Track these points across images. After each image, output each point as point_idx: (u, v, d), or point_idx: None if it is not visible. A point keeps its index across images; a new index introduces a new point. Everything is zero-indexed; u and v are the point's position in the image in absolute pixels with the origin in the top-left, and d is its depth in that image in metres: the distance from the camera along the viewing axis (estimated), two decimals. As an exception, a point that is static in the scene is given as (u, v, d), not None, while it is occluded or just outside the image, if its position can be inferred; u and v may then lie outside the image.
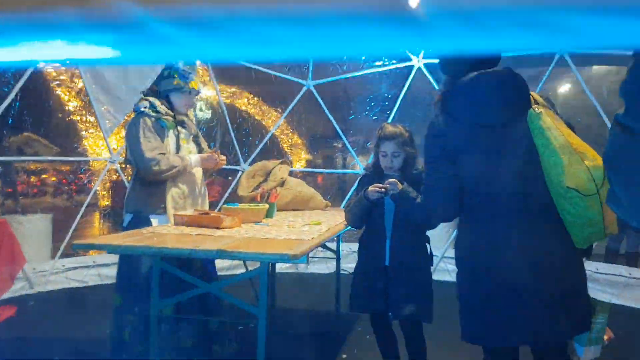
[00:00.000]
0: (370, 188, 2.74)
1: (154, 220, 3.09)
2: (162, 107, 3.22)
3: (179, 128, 3.31)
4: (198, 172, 3.38)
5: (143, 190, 3.16)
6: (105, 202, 9.24)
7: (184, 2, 0.54)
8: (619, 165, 1.07)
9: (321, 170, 7.50)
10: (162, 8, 0.53)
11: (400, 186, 2.68)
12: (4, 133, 5.14)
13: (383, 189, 2.71)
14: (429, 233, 2.92)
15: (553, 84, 6.30)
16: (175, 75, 3.25)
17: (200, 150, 3.47)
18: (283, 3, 0.53)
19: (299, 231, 2.77)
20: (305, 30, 0.54)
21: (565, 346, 2.17)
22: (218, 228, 2.78)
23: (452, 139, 2.10)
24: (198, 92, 3.39)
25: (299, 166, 11.43)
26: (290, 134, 11.12)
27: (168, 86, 3.26)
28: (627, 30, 0.54)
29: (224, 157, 3.44)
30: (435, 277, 5.49)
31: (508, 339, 2.04)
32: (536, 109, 1.98)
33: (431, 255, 2.93)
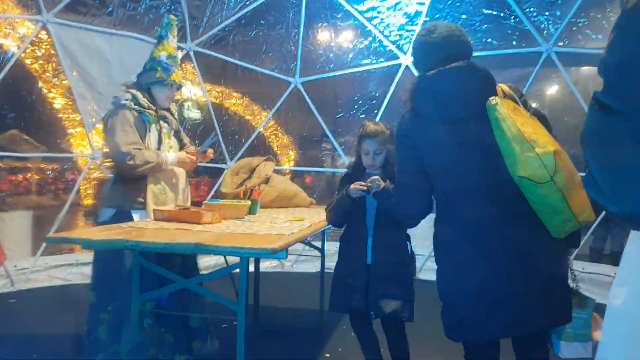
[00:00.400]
0: (352, 186, 2.71)
1: (135, 216, 3.04)
2: (144, 101, 3.17)
3: (161, 123, 3.25)
4: (179, 169, 3.32)
5: (124, 185, 3.10)
6: (87, 200, 9.12)
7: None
8: (596, 145, 1.04)
9: (308, 169, 7.43)
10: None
11: (382, 184, 2.66)
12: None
13: (365, 187, 2.68)
14: (413, 232, 2.89)
15: (540, 84, 6.30)
16: (158, 68, 3.20)
17: (181, 146, 3.42)
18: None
19: (280, 227, 2.73)
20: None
21: (545, 338, 2.16)
22: (198, 223, 2.73)
23: (417, 137, 2.12)
24: (180, 86, 3.35)
25: (287, 166, 11.39)
26: (280, 135, 11.06)
27: (150, 79, 3.21)
28: None
29: (211, 150, 3.39)
30: (422, 276, 5.54)
31: (486, 333, 2.02)
32: (492, 101, 1.98)
33: (412, 253, 2.90)
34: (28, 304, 4.72)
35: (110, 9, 5.36)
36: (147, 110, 3.16)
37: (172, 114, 3.38)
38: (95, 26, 5.30)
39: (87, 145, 6.15)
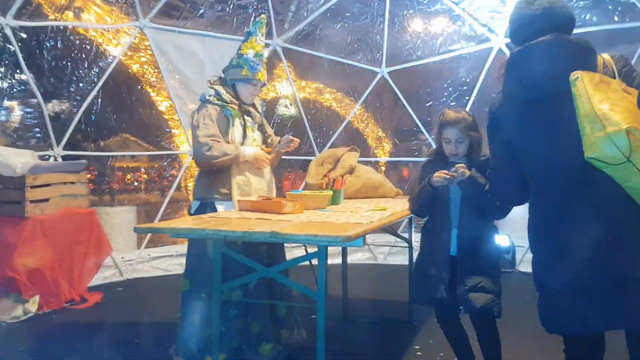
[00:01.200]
0: (435, 175, 2.61)
1: (220, 207, 3.14)
2: (227, 96, 3.26)
3: (244, 117, 3.33)
4: None
5: (209, 177, 3.22)
6: (192, 197, 9.62)
7: None
8: None
9: (399, 159, 7.31)
10: None
11: (467, 172, 2.54)
12: (90, 131, 5.49)
13: (449, 176, 2.57)
14: (512, 223, 2.76)
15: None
16: (245, 66, 3.27)
17: (265, 138, 3.49)
18: None
19: (360, 216, 2.70)
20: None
21: None
22: (280, 213, 2.77)
23: (504, 119, 2.04)
24: (264, 84, 3.41)
25: (382, 157, 11.31)
26: (372, 126, 11.00)
27: (235, 75, 3.29)
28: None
29: (297, 139, 3.42)
30: (522, 268, 5.26)
31: (581, 324, 1.88)
32: (572, 76, 1.79)
33: (499, 248, 2.75)
34: (133, 292, 5.06)
35: (201, 10, 5.60)
36: (230, 105, 3.25)
37: (255, 109, 3.45)
38: (188, 29, 5.56)
39: (183, 143, 6.47)
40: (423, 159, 3.16)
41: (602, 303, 1.82)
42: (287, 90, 6.75)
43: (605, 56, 1.89)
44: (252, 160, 3.26)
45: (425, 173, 2.78)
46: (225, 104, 3.23)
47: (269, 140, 3.52)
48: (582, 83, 1.76)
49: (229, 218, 2.62)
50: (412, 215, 3.16)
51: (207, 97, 3.23)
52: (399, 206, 3.33)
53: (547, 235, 1.97)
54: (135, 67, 6.11)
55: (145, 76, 7.76)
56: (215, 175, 3.20)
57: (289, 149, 3.41)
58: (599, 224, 1.81)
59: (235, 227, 2.26)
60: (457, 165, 2.58)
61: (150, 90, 7.91)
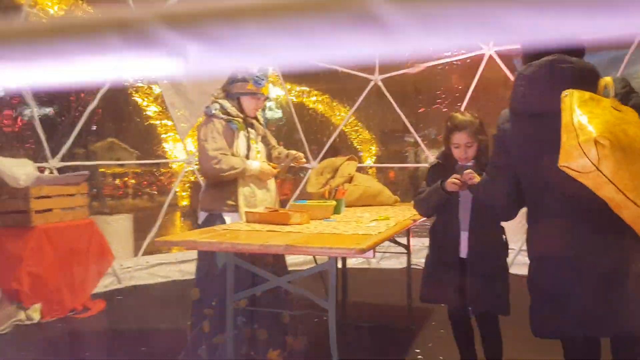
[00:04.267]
0: (449, 181, 2.68)
1: (227, 218, 3.23)
2: (232, 109, 3.35)
3: (248, 129, 3.42)
4: None
5: (216, 189, 3.30)
6: (183, 201, 9.67)
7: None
8: None
9: (391, 165, 7.44)
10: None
11: (476, 178, 2.62)
12: (88, 140, 5.54)
13: (461, 182, 2.65)
14: (505, 225, 2.87)
15: (635, 66, 5.94)
16: (250, 81, 3.35)
17: (269, 150, 3.58)
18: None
19: (366, 227, 2.80)
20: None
21: None
22: (287, 224, 2.85)
23: (507, 131, 2.15)
24: (267, 98, 3.50)
25: (369, 162, 11.44)
26: (360, 129, 11.13)
27: (240, 89, 3.38)
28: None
29: (302, 155, 3.51)
30: (513, 270, 5.37)
31: (577, 330, 2.00)
32: (563, 94, 1.86)
33: (507, 245, 2.87)
34: (133, 300, 5.10)
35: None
36: (235, 119, 3.33)
37: (258, 121, 3.54)
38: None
39: (181, 150, 6.53)
40: (424, 164, 3.26)
41: (589, 309, 1.93)
42: (277, 95, 6.85)
43: (607, 79, 1.96)
44: (257, 174, 3.35)
45: (432, 175, 2.86)
46: (231, 117, 3.32)
47: (276, 153, 3.61)
48: (570, 99, 1.83)
49: (240, 230, 2.70)
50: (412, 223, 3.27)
51: (213, 112, 3.31)
52: (399, 214, 3.44)
53: (539, 246, 2.09)
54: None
55: (138, 89, 7.83)
56: (221, 187, 3.28)
57: (297, 164, 3.51)
58: (586, 238, 1.94)
59: (250, 240, 2.35)
60: (465, 172, 2.64)
61: (136, 95, 7.98)
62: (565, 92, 1.86)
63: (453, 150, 2.79)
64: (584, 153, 1.67)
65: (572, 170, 1.74)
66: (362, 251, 2.14)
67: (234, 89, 3.40)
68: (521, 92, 2.08)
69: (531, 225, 2.18)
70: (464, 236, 2.77)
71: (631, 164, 1.66)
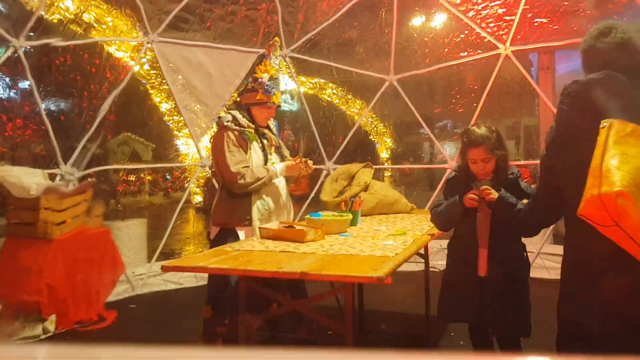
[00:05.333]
0: (467, 196, 2.61)
1: (241, 233, 3.16)
2: (244, 120, 3.27)
3: (262, 140, 3.35)
4: (281, 184, 3.41)
5: (229, 202, 3.23)
6: (196, 198, 9.64)
7: None
8: None
9: (407, 166, 7.34)
10: None
11: (493, 195, 2.54)
12: (102, 133, 5.53)
13: (478, 198, 2.58)
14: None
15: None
16: (260, 90, 3.27)
17: (282, 161, 3.50)
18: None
19: (383, 245, 2.71)
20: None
21: None
22: (302, 242, 2.78)
23: (551, 150, 2.03)
24: (279, 106, 3.41)
25: (385, 155, 11.32)
26: (376, 122, 11.04)
27: (250, 100, 3.30)
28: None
29: (311, 162, 3.43)
30: (531, 274, 5.26)
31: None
32: (602, 123, 1.67)
33: (528, 262, 2.78)
34: (147, 308, 5.04)
35: (209, 22, 5.58)
36: (247, 129, 3.26)
37: (270, 130, 3.46)
38: (197, 41, 5.55)
39: (194, 147, 6.48)
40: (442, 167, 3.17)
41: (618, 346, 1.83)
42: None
43: None
44: (284, 173, 3.28)
45: (450, 189, 2.79)
46: (242, 128, 3.24)
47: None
48: (607, 132, 1.65)
49: (252, 252, 2.62)
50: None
51: (225, 123, 3.23)
52: (417, 227, 3.35)
53: (567, 273, 2.02)
54: (143, 83, 6.12)
55: (149, 81, 7.81)
56: (235, 200, 3.21)
57: (307, 170, 3.43)
58: (622, 268, 1.80)
59: (264, 266, 2.27)
60: (482, 188, 2.58)
61: (158, 99, 7.96)
62: (604, 123, 1.66)
63: (470, 165, 2.70)
64: (604, 206, 1.53)
65: (591, 221, 1.62)
66: (380, 280, 2.06)
67: (244, 99, 3.33)
68: (565, 112, 1.89)
69: (565, 247, 2.07)
70: (483, 254, 2.67)
71: None
